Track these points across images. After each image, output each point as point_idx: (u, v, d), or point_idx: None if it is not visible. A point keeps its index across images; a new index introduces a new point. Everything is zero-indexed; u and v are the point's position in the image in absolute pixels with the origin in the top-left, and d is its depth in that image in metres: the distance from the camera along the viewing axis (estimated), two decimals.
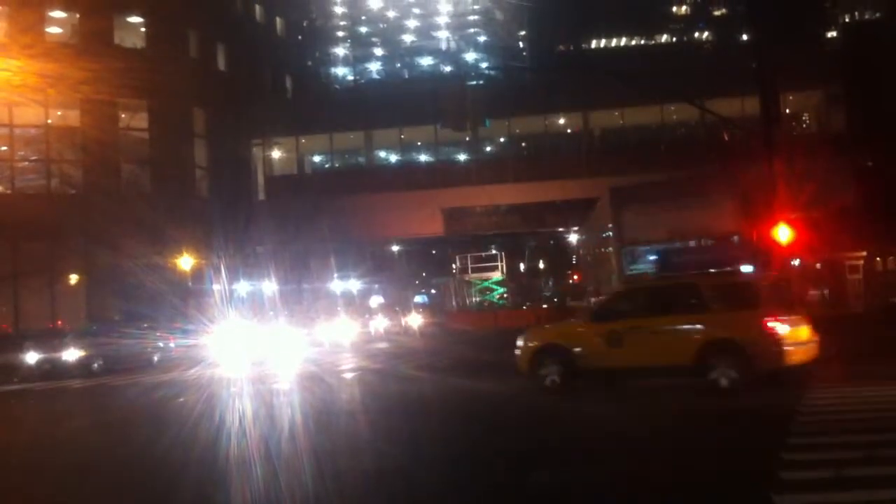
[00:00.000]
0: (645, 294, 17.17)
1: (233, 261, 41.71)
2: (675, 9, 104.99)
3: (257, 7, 55.25)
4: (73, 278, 40.67)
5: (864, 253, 39.71)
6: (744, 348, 14.38)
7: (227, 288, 38.63)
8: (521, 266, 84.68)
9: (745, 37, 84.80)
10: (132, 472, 10.77)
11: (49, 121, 41.46)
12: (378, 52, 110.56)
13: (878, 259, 40.27)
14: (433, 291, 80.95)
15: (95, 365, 29.97)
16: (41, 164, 41.52)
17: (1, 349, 30.57)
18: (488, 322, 52.60)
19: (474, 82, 58.02)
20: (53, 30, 41.79)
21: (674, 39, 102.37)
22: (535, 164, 50.13)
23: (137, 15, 43.85)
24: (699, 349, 14.64)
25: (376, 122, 52.34)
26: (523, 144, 55.47)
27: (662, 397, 15.11)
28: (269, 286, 46.27)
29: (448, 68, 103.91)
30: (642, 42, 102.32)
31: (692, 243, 41.61)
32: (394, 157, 57.65)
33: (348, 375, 23.71)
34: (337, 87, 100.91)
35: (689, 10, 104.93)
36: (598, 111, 49.94)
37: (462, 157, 54.37)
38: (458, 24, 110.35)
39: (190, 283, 41.55)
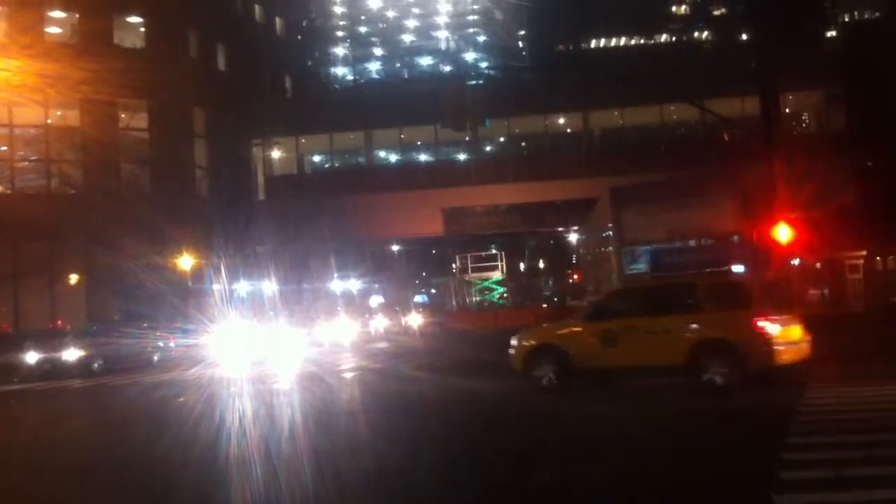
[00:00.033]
0: (638, 294, 17.42)
1: (233, 261, 41.72)
2: (674, 9, 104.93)
3: (257, 7, 55.25)
4: (73, 278, 40.68)
5: (864, 252, 39.72)
6: (736, 348, 14.49)
7: (227, 288, 38.64)
8: (521, 266, 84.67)
9: (744, 37, 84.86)
10: (132, 472, 10.77)
11: (49, 121, 41.46)
12: (378, 51, 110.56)
13: (878, 258, 40.27)
14: (433, 291, 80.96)
15: (95, 365, 29.98)
16: (41, 165, 41.52)
17: (1, 349, 30.56)
18: (488, 322, 52.58)
19: (474, 82, 57.95)
20: (53, 30, 41.79)
21: (673, 39, 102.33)
22: (535, 163, 50.16)
23: (137, 15, 43.86)
24: (691, 349, 14.75)
25: (376, 122, 52.38)
26: (523, 144, 55.52)
27: (659, 397, 15.15)
28: (269, 286, 46.28)
29: (448, 68, 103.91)
30: (642, 42, 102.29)
31: (692, 243, 41.66)
32: (394, 157, 57.69)
33: (348, 375, 23.71)
34: (337, 86, 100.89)
35: (688, 9, 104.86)
36: (598, 111, 49.97)
37: (462, 156, 54.41)
38: (458, 24, 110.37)
39: (190, 283, 41.57)
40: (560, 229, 65.99)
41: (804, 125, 52.42)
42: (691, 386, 14.69)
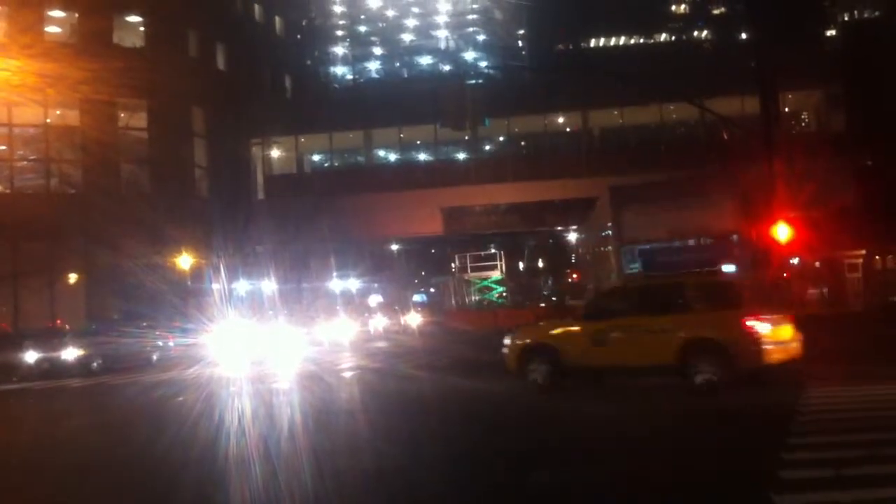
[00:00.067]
0: (629, 294, 17.59)
1: (232, 260, 41.74)
2: (674, 8, 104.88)
3: (256, 7, 55.25)
4: (73, 278, 40.68)
5: (864, 252, 39.72)
6: (725, 348, 14.53)
7: (226, 287, 38.64)
8: (521, 265, 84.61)
9: (744, 36, 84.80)
10: (132, 472, 10.76)
11: (48, 120, 41.47)
12: (377, 51, 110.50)
13: (877, 258, 40.28)
14: (432, 290, 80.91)
15: (94, 364, 30.01)
16: (40, 164, 41.55)
17: (0, 348, 30.58)
18: (487, 321, 52.49)
19: (473, 81, 57.94)
20: (53, 29, 41.80)
21: (673, 39, 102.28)
22: (535, 163, 50.14)
23: (137, 14, 43.88)
24: (681, 348, 14.79)
25: (375, 122, 52.35)
26: (523, 144, 55.49)
27: (657, 397, 15.19)
28: (269, 285, 46.27)
29: (447, 67, 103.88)
30: (641, 41, 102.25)
31: (691, 242, 41.70)
32: (393, 157, 57.67)
33: (347, 374, 23.70)
34: (336, 86, 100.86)
35: (688, 9, 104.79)
36: (598, 110, 49.93)
37: (461, 156, 54.39)
38: (458, 24, 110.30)
39: (189, 283, 41.59)
40: (559, 229, 65.97)
41: (804, 124, 52.40)
42: (682, 386, 14.75)
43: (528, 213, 54.71)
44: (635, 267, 43.16)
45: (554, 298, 69.97)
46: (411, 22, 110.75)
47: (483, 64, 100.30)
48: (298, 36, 66.84)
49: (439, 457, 10.69)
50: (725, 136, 43.89)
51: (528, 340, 17.00)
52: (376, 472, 9.86)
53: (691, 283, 16.10)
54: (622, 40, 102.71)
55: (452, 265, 73.45)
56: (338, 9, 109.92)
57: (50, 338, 31.79)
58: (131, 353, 31.07)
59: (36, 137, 41.51)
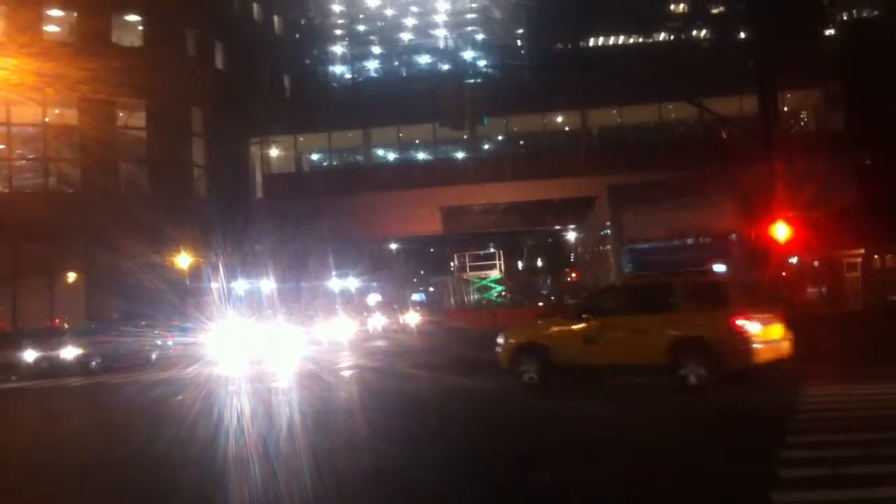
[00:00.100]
0: (619, 293, 17.90)
1: (231, 259, 41.69)
2: (673, 7, 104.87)
3: (255, 6, 55.24)
4: (72, 277, 40.67)
5: (862, 251, 39.73)
6: (712, 346, 14.59)
7: (225, 286, 38.61)
8: (520, 264, 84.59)
9: (743, 35, 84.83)
10: (132, 472, 10.75)
11: (47, 119, 41.47)
12: (376, 50, 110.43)
13: (876, 257, 40.29)
14: (431, 290, 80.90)
15: (93, 363, 30.03)
16: (39, 163, 41.55)
17: None
18: (486, 320, 52.49)
19: (472, 81, 58.05)
20: (51, 29, 41.79)
21: (672, 38, 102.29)
22: (534, 162, 50.16)
23: (135, 14, 43.87)
24: (669, 347, 14.85)
25: (374, 121, 52.35)
26: (522, 143, 55.50)
27: (649, 396, 15.23)
28: (268, 284, 46.25)
29: (446, 67, 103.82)
30: (640, 41, 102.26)
31: (689, 241, 41.70)
32: (392, 156, 57.66)
33: (346, 373, 23.70)
34: (335, 85, 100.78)
35: (687, 8, 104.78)
36: (597, 110, 49.95)
37: (460, 155, 54.38)
38: (457, 23, 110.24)
39: (188, 282, 41.59)
40: (558, 228, 65.95)
41: (803, 124, 52.42)
42: (671, 384, 14.79)
43: (527, 213, 54.71)
44: (631, 266, 43.17)
45: (553, 298, 69.98)
46: (410, 21, 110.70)
47: (482, 63, 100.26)
48: (297, 35, 66.81)
49: (438, 456, 10.69)
50: (724, 136, 43.92)
51: (519, 339, 17.08)
52: (375, 472, 9.86)
53: (681, 282, 16.15)
54: (621, 40, 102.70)
55: (451, 264, 73.46)
56: (336, 8, 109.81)
57: (49, 337, 31.84)
58: (130, 352, 31.09)
59: (34, 137, 41.52)
